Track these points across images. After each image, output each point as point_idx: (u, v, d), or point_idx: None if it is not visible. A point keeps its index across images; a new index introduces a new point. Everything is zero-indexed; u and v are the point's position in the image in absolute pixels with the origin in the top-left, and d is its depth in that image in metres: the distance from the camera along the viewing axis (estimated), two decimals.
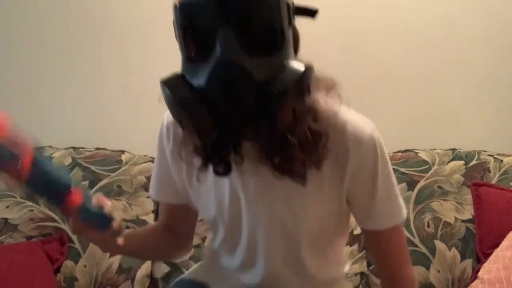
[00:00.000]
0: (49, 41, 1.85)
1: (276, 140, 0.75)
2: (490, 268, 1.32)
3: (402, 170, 1.58)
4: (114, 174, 1.63)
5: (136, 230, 1.17)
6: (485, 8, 1.76)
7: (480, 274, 1.35)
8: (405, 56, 1.78)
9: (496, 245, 1.40)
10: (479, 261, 1.45)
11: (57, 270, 1.49)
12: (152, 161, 1.67)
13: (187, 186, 0.97)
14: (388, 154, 1.47)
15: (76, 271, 1.50)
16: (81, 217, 0.81)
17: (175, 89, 0.70)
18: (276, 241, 0.92)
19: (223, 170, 0.81)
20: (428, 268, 1.48)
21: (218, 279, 1.06)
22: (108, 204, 0.83)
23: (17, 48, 1.87)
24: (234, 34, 0.67)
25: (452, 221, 1.51)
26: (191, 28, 0.70)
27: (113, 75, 1.85)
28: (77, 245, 1.54)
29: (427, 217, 1.52)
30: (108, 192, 1.60)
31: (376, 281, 1.50)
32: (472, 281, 1.37)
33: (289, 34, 0.72)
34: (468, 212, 1.52)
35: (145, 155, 1.70)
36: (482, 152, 1.63)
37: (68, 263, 1.51)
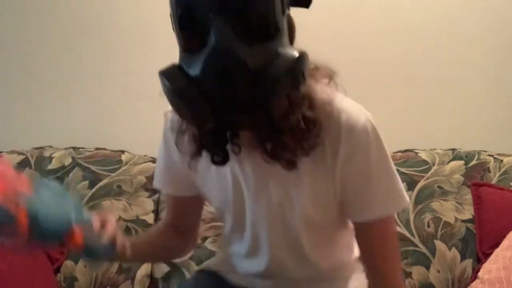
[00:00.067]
0: (49, 41, 1.85)
1: (270, 126, 0.75)
2: (490, 268, 1.32)
3: (402, 170, 1.58)
4: (114, 174, 1.63)
5: (140, 236, 1.18)
6: (485, 8, 1.76)
7: (480, 274, 1.35)
8: (405, 56, 1.78)
9: (496, 245, 1.40)
10: (479, 261, 1.45)
11: (57, 270, 1.49)
12: (152, 161, 1.67)
13: (192, 176, 0.98)
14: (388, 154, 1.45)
15: (76, 271, 1.50)
16: (85, 256, 0.82)
17: (172, 79, 0.72)
18: (276, 229, 0.94)
19: (221, 159, 0.83)
20: (428, 268, 1.48)
21: (229, 267, 1.08)
22: (110, 225, 0.83)
23: (17, 48, 1.87)
24: (229, 24, 0.68)
25: (452, 221, 1.51)
26: (187, 19, 0.71)
27: (113, 75, 1.85)
28: None
29: (427, 217, 1.52)
30: (108, 192, 1.60)
31: None
32: (472, 281, 1.37)
33: (283, 23, 0.73)
34: (468, 212, 1.52)
35: (145, 155, 1.70)
36: (482, 152, 1.63)
37: (68, 263, 1.51)
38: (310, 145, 0.80)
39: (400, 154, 1.65)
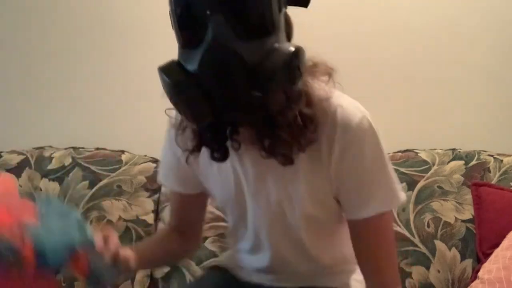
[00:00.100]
0: (49, 41, 1.85)
1: (267, 121, 0.76)
2: (490, 268, 1.32)
3: (402, 170, 1.58)
4: (114, 174, 1.63)
5: (143, 243, 1.20)
6: (485, 8, 1.75)
7: (480, 274, 1.35)
8: (405, 55, 1.78)
9: (496, 245, 1.39)
10: (479, 261, 1.45)
11: None
12: (152, 161, 1.68)
13: (196, 173, 1.00)
14: (388, 154, 1.47)
15: None
16: (90, 282, 0.82)
17: (171, 74, 0.73)
18: (277, 225, 0.95)
19: (221, 156, 0.84)
20: (428, 268, 1.48)
21: (237, 263, 1.10)
22: (112, 241, 0.84)
23: (17, 48, 1.87)
24: (226, 20, 0.69)
25: (452, 221, 1.51)
26: (186, 17, 0.73)
27: (113, 75, 1.85)
28: None
29: (427, 217, 1.52)
30: (108, 192, 1.60)
31: None
32: (472, 281, 1.37)
33: (280, 20, 0.75)
34: (468, 212, 1.52)
35: (145, 155, 1.70)
36: (482, 152, 1.63)
37: None
38: (307, 141, 0.81)
39: (400, 154, 1.65)
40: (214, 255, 1.51)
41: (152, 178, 1.64)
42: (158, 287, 1.55)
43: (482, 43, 1.77)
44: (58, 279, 1.48)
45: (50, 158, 1.67)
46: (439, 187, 1.56)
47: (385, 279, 0.91)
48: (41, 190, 1.60)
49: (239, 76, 0.69)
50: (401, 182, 1.56)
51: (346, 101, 0.84)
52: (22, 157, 1.67)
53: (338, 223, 0.98)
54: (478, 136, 1.76)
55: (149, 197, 1.62)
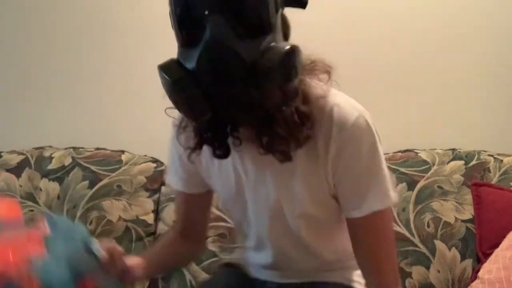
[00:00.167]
0: (49, 41, 1.86)
1: (264, 118, 0.77)
2: (490, 268, 1.32)
3: (402, 170, 1.58)
4: (114, 174, 1.63)
5: (149, 251, 1.21)
6: (485, 8, 1.75)
7: (480, 274, 1.35)
8: (405, 56, 1.78)
9: (496, 245, 1.39)
10: (479, 261, 1.45)
11: None
12: (152, 161, 1.68)
13: (200, 170, 1.01)
14: (388, 154, 1.47)
15: None
16: None
17: (170, 72, 0.74)
18: (277, 223, 0.96)
19: (222, 153, 0.85)
20: (428, 268, 1.48)
21: (245, 260, 1.12)
22: (117, 254, 0.86)
23: (17, 48, 1.87)
24: (223, 20, 0.71)
25: (452, 221, 1.51)
26: (185, 16, 0.75)
27: (113, 75, 1.85)
28: None
29: (427, 217, 1.52)
30: (108, 192, 1.60)
31: None
32: (472, 281, 1.37)
33: (277, 20, 0.76)
34: (468, 212, 1.52)
35: (145, 155, 1.70)
36: (482, 152, 1.63)
37: None
38: (304, 137, 0.81)
39: (400, 154, 1.65)
40: (214, 255, 1.51)
41: (152, 178, 1.64)
42: (158, 287, 1.55)
43: (482, 43, 1.77)
44: None
45: (50, 158, 1.67)
46: (439, 187, 1.56)
47: (384, 279, 0.91)
48: (41, 190, 1.60)
49: (236, 73, 0.71)
50: (401, 182, 1.57)
51: (343, 99, 0.85)
52: (22, 157, 1.67)
53: (338, 222, 0.98)
54: (478, 136, 1.76)
55: (149, 197, 1.62)
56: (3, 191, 1.59)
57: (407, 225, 1.51)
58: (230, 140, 0.84)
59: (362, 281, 1.01)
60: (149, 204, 1.62)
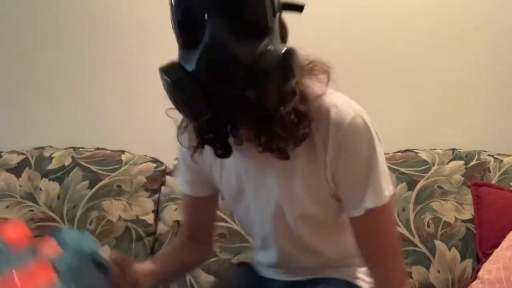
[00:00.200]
0: (50, 41, 1.85)
1: (262, 118, 0.79)
2: (490, 268, 1.32)
3: (402, 170, 1.58)
4: (114, 174, 1.63)
5: (161, 258, 1.22)
6: (485, 8, 1.76)
7: (480, 274, 1.35)
8: (405, 56, 1.78)
9: (496, 245, 1.40)
10: (479, 261, 1.45)
11: None
12: (152, 161, 1.68)
13: (207, 172, 1.03)
14: (388, 154, 1.46)
15: None
16: None
17: (171, 73, 0.76)
18: (278, 223, 0.97)
19: (223, 152, 0.86)
20: (428, 268, 1.48)
21: (255, 259, 1.15)
22: (127, 265, 0.87)
23: (17, 48, 1.87)
24: (222, 23, 0.73)
25: (452, 221, 1.51)
26: (185, 20, 0.77)
27: (113, 75, 1.85)
28: None
29: (427, 217, 1.52)
30: (108, 192, 1.60)
31: None
32: (472, 281, 1.37)
33: (274, 23, 0.78)
34: (468, 212, 1.52)
35: (145, 155, 1.70)
36: (482, 152, 1.63)
37: None
38: (301, 135, 0.83)
39: (400, 154, 1.65)
40: (214, 255, 1.51)
41: (152, 178, 1.64)
42: (158, 287, 1.55)
43: (482, 43, 1.77)
44: None
45: (50, 158, 1.67)
46: (439, 187, 1.56)
47: (390, 277, 0.92)
48: (41, 190, 1.60)
49: (234, 74, 0.72)
50: (401, 182, 1.57)
51: (340, 99, 0.86)
52: (22, 157, 1.67)
53: (338, 222, 0.99)
54: (478, 136, 1.76)
55: (149, 197, 1.62)
56: (3, 191, 1.59)
57: (407, 225, 1.51)
58: (231, 140, 0.85)
59: (367, 279, 1.03)
60: (149, 204, 1.62)
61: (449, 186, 1.56)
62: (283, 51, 0.75)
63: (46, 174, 1.63)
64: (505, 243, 1.38)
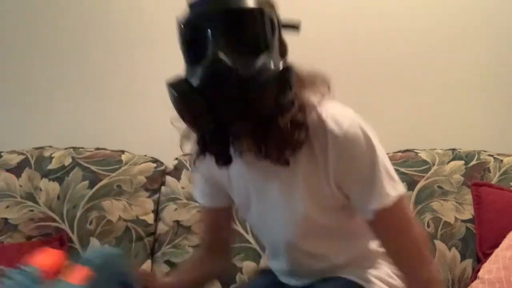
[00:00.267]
0: (49, 41, 1.85)
1: (261, 129, 0.83)
2: (490, 268, 1.32)
3: (402, 170, 1.58)
4: (114, 174, 1.63)
5: (182, 270, 1.24)
6: (485, 8, 1.76)
7: (480, 274, 1.35)
8: (405, 56, 1.78)
9: (496, 245, 1.39)
10: (479, 261, 1.45)
11: None
12: (152, 161, 1.68)
13: (221, 182, 1.07)
14: (388, 154, 1.46)
15: None
16: None
17: (177, 87, 0.81)
18: (284, 230, 0.99)
19: (223, 161, 0.89)
20: None
21: (270, 266, 1.18)
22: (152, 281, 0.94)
23: (17, 48, 1.87)
24: (224, 40, 0.79)
25: (452, 221, 1.51)
26: (191, 39, 0.83)
27: (113, 75, 1.85)
28: (77, 245, 1.54)
29: (427, 217, 1.52)
30: (108, 192, 1.60)
31: None
32: (472, 281, 1.37)
33: (273, 42, 0.84)
34: (468, 212, 1.52)
35: (145, 155, 1.70)
36: (482, 152, 1.63)
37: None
38: (298, 141, 0.86)
39: (400, 154, 1.65)
40: None
41: (152, 178, 1.64)
42: None
43: (482, 43, 1.77)
44: None
45: (50, 158, 1.67)
46: (439, 187, 1.56)
47: (418, 276, 0.93)
48: (41, 190, 1.60)
49: (235, 88, 0.77)
50: (401, 182, 1.56)
51: (336, 110, 0.89)
52: (22, 157, 1.67)
53: (343, 228, 1.01)
54: (478, 136, 1.76)
55: (149, 197, 1.62)
56: (3, 191, 1.59)
57: None
58: (232, 150, 0.88)
59: (377, 281, 1.02)
60: (149, 204, 1.62)
61: (449, 186, 1.56)
62: (280, 67, 0.80)
63: (46, 174, 1.63)
64: (505, 243, 1.38)
